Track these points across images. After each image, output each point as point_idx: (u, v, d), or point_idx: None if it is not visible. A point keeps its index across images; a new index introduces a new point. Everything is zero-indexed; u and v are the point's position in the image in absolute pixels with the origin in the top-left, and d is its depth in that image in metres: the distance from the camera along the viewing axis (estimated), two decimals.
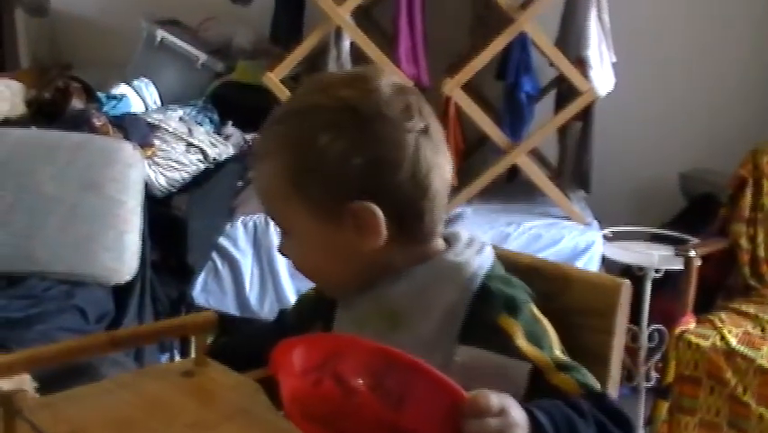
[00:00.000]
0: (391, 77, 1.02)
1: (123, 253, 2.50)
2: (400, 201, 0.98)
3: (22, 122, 2.91)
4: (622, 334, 1.05)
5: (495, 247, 1.06)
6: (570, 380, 0.92)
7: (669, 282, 2.73)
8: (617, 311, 1.03)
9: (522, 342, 0.94)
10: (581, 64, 2.80)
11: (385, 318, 1.00)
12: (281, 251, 1.08)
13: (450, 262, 1.01)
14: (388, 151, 0.97)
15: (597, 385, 0.93)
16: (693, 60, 3.33)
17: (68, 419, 0.91)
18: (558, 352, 0.95)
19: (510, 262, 1.05)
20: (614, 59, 2.88)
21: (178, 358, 2.53)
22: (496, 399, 0.80)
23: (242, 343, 1.22)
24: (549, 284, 1.05)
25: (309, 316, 1.13)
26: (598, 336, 1.03)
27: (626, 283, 1.04)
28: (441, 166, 1.01)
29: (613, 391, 1.03)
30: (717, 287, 2.73)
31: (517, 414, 0.81)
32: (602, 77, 2.80)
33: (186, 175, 2.88)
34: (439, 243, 1.03)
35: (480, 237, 1.06)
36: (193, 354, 1.08)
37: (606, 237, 2.85)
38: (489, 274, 1.00)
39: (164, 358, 2.51)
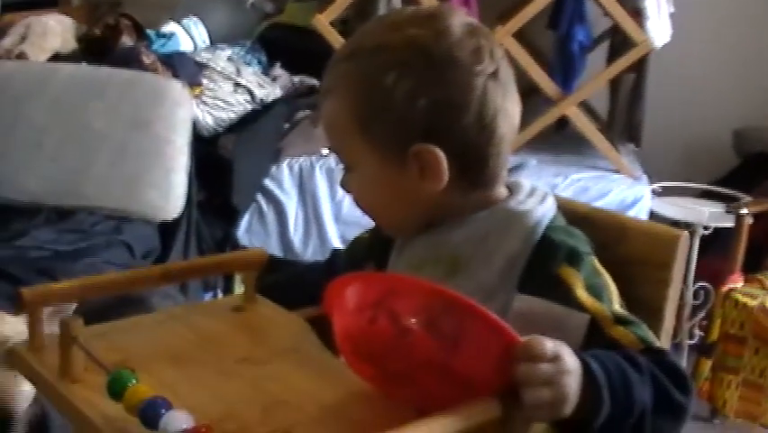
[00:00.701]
0: (463, 16, 0.99)
1: (170, 191, 2.53)
2: (464, 145, 0.97)
3: (73, 57, 2.93)
4: (678, 286, 1.03)
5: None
6: (629, 334, 0.90)
7: (717, 240, 2.69)
8: (675, 262, 1.00)
9: (582, 293, 0.92)
10: (637, 14, 2.73)
11: (443, 263, 0.99)
12: (343, 185, 1.07)
13: (513, 210, 0.99)
14: (454, 93, 0.95)
15: (656, 342, 0.92)
16: (752, 14, 3.24)
17: (121, 349, 0.93)
18: (618, 306, 0.93)
19: (567, 211, 1.03)
20: (672, 10, 2.80)
21: (220, 296, 2.55)
22: (550, 344, 0.79)
23: (292, 281, 1.22)
24: (605, 234, 1.03)
25: (361, 257, 1.13)
26: (652, 288, 1.01)
27: (685, 234, 1.01)
28: (508, 111, 0.99)
29: (666, 343, 1.02)
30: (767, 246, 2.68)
31: (571, 361, 0.80)
32: (659, 28, 2.72)
33: (233, 115, 2.88)
34: (502, 190, 1.02)
35: (542, 187, 1.04)
36: (238, 290, 1.09)
37: (654, 192, 2.81)
38: (551, 225, 0.98)
39: (208, 296, 2.54)
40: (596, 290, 0.93)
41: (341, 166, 1.06)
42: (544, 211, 1.00)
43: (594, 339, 0.89)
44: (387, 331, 0.77)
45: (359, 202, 1.05)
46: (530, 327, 0.84)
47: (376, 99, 0.96)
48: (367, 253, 1.13)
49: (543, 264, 0.95)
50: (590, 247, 0.98)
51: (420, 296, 0.78)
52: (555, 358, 0.79)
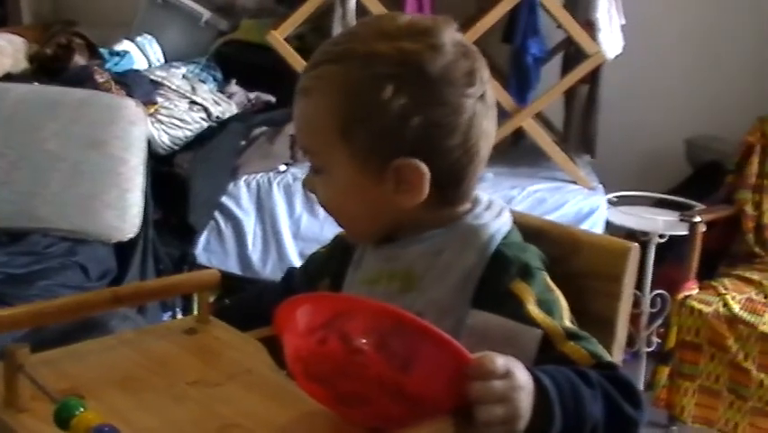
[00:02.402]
0: (455, 32, 0.99)
1: (126, 211, 2.50)
2: (447, 165, 0.97)
3: (25, 77, 2.89)
4: (629, 298, 1.03)
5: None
6: (580, 349, 0.90)
7: (672, 248, 2.72)
8: (625, 275, 1.01)
9: (533, 308, 0.92)
10: (590, 26, 2.76)
11: (398, 278, 0.99)
12: (306, 185, 1.05)
13: (468, 224, 1.00)
14: (446, 114, 0.95)
15: (607, 356, 0.92)
16: (702, 26, 3.29)
17: (69, 376, 0.91)
18: (568, 322, 0.94)
19: (520, 225, 1.03)
20: (623, 22, 2.84)
21: (180, 316, 2.53)
22: (501, 361, 0.79)
23: (249, 303, 1.21)
24: (558, 247, 1.03)
25: (317, 273, 1.13)
26: (605, 300, 1.02)
27: (635, 247, 1.02)
28: (489, 134, 1.00)
29: (618, 355, 1.02)
30: (721, 253, 2.73)
31: (522, 377, 0.80)
32: (611, 39, 2.76)
33: (188, 133, 2.86)
34: (466, 205, 1.02)
35: (498, 201, 1.04)
36: (195, 312, 1.08)
37: (610, 202, 2.84)
38: (505, 240, 0.99)
39: (166, 316, 2.51)
40: (547, 306, 0.93)
41: (308, 164, 1.04)
42: (498, 226, 1.00)
43: (545, 355, 0.89)
44: (337, 352, 0.77)
45: (324, 204, 1.03)
46: (483, 343, 0.84)
47: (366, 108, 0.95)
48: (322, 269, 1.13)
49: (496, 279, 0.95)
50: (543, 263, 0.98)
51: (370, 316, 0.78)
52: (507, 374, 0.79)
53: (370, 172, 0.97)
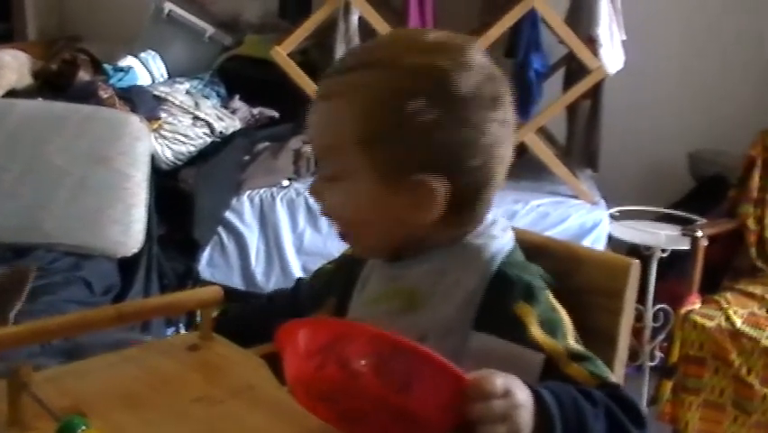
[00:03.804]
0: (482, 54, 0.98)
1: (130, 226, 2.50)
2: (465, 186, 0.96)
3: (29, 93, 2.91)
4: (630, 313, 1.04)
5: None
6: (583, 370, 0.90)
7: (675, 263, 2.72)
8: (626, 291, 1.02)
9: (536, 330, 0.92)
10: (591, 42, 2.77)
11: (401, 298, 0.99)
12: (315, 193, 1.02)
13: (469, 243, 0.99)
14: (470, 134, 0.95)
15: (611, 377, 0.92)
16: (704, 39, 3.30)
17: (72, 393, 0.92)
18: (572, 341, 0.93)
19: (521, 241, 1.04)
20: (624, 38, 2.86)
21: (183, 332, 2.53)
22: (500, 380, 0.79)
23: (255, 314, 1.21)
24: (559, 264, 1.03)
25: (323, 291, 1.12)
26: (606, 316, 1.02)
27: (636, 263, 1.03)
28: (507, 159, 1.00)
29: (620, 369, 1.02)
30: (724, 268, 2.72)
31: (522, 395, 0.80)
32: (612, 55, 2.77)
33: (192, 148, 2.87)
34: (473, 226, 1.01)
35: (502, 219, 1.04)
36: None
37: (613, 216, 2.84)
38: (507, 260, 0.98)
39: (170, 331, 2.52)
40: (551, 326, 0.93)
41: (311, 179, 1.03)
42: (501, 245, 1.00)
43: (549, 376, 0.89)
44: (335, 377, 0.77)
45: (332, 213, 1.01)
46: (487, 366, 0.83)
47: (392, 120, 0.94)
48: (328, 287, 1.12)
49: (499, 301, 0.95)
50: (546, 281, 0.98)
51: (367, 341, 0.78)
52: (506, 394, 0.79)
53: (388, 184, 0.96)
